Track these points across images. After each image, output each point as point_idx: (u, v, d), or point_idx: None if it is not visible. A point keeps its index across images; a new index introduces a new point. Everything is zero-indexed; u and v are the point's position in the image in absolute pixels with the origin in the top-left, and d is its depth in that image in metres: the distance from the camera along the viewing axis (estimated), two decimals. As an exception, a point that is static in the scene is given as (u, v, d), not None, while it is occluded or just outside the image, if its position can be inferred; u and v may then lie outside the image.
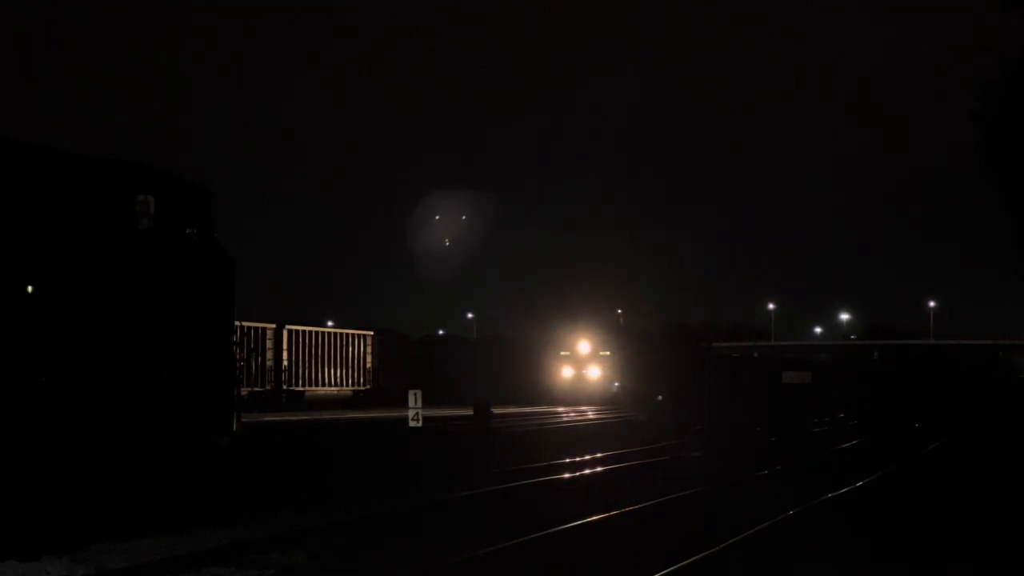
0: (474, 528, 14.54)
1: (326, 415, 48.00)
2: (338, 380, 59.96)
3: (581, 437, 32.91)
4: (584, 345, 70.86)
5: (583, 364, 70.46)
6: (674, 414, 49.76)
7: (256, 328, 51.60)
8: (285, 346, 55.26)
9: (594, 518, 15.26)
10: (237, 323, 16.47)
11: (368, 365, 62.25)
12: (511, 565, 12.18)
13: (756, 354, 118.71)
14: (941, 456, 28.04)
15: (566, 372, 70.27)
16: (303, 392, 56.58)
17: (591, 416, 51.50)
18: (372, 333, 64.23)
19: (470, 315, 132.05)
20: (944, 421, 48.90)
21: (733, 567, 12.02)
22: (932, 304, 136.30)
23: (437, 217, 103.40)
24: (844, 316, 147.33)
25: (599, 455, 26.20)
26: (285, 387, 55.19)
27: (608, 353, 71.14)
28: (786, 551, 13.03)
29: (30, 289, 13.23)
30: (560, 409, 58.50)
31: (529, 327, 77.96)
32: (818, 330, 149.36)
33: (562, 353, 70.86)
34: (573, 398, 67.47)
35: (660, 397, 64.35)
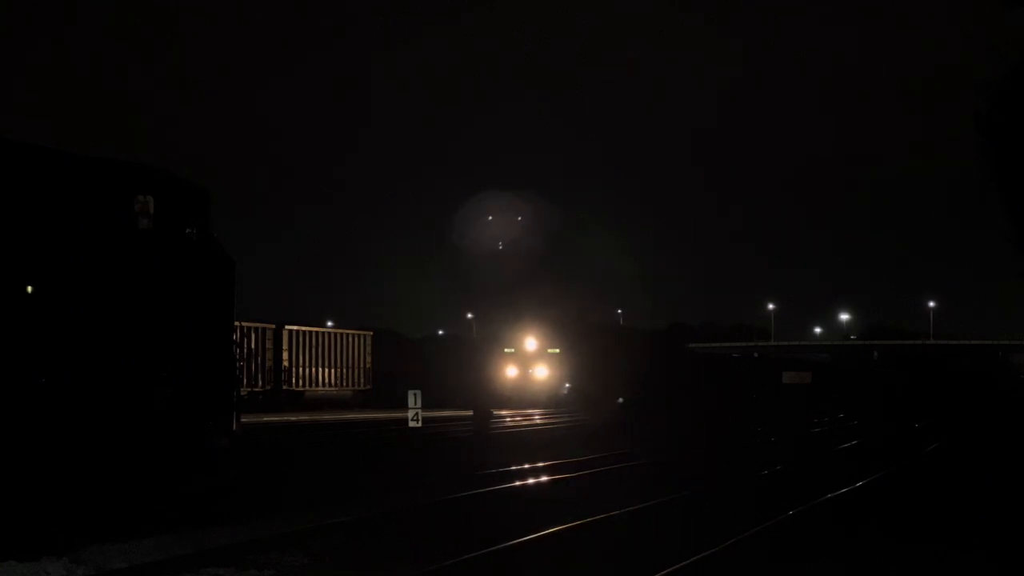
0: (472, 528, 14.54)
1: (326, 416, 48.01)
2: (338, 380, 59.99)
3: (514, 446, 30.98)
4: (530, 342, 63.78)
5: (529, 363, 63.41)
6: (639, 417, 46.69)
7: (256, 328, 51.64)
8: (285, 346, 55.29)
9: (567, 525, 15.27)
10: (237, 323, 16.48)
11: (367, 365, 62.24)
12: (508, 564, 12.20)
13: (756, 354, 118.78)
14: (938, 458, 28.02)
15: (510, 371, 63.24)
16: (303, 392, 56.62)
17: (537, 420, 47.23)
18: (371, 333, 64.26)
19: (469, 315, 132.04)
20: (943, 421, 48.91)
21: None
22: (932, 304, 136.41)
23: (490, 218, 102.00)
24: (844, 316, 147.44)
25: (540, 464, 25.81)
26: (285, 387, 55.21)
27: (558, 351, 64.15)
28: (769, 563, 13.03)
29: (30, 289, 13.24)
30: (503, 412, 52.33)
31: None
32: (818, 330, 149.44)
33: (506, 350, 64.08)
34: (517, 400, 60.78)
35: (621, 399, 60.11)
